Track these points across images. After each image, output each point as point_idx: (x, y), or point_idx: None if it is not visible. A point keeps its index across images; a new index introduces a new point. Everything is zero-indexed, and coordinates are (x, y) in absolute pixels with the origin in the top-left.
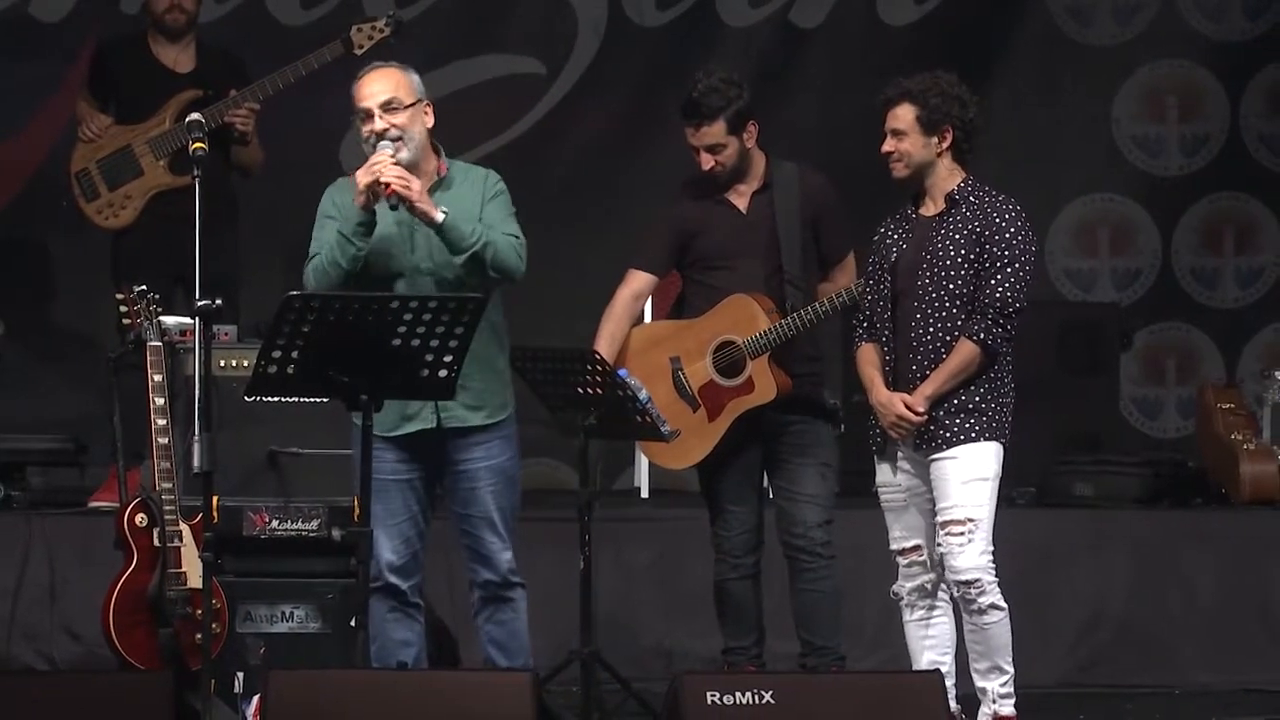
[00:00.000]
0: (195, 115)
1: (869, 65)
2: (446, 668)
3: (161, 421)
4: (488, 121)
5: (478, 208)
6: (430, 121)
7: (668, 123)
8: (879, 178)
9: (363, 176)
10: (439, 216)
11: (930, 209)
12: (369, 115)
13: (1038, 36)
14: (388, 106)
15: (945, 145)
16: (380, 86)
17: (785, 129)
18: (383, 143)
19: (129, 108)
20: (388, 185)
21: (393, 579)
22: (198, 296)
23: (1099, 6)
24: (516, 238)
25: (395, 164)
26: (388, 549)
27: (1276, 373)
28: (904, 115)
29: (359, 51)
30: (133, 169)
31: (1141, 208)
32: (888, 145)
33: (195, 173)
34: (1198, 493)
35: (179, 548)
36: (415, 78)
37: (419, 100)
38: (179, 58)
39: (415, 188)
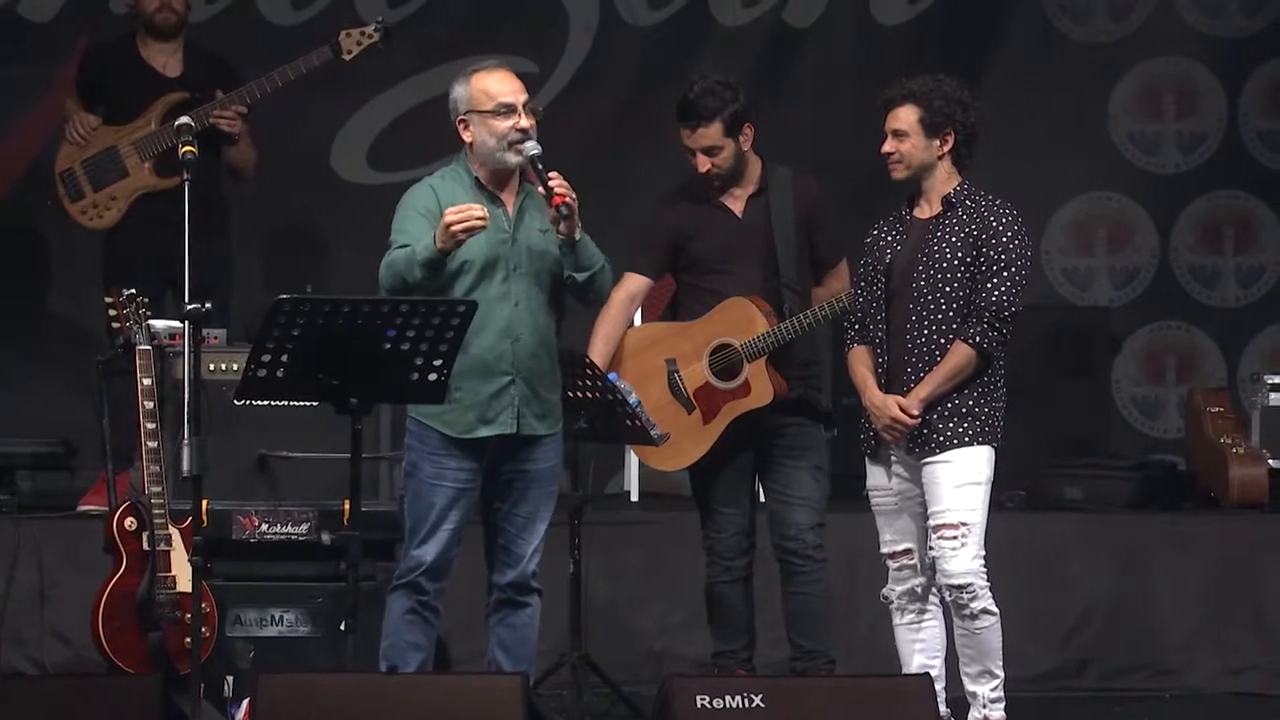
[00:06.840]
0: (184, 118)
1: (862, 65)
2: (437, 671)
3: (151, 425)
4: None
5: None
6: None
7: (661, 122)
8: (871, 178)
9: (458, 224)
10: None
11: (925, 211)
12: (511, 110)
13: (1032, 34)
14: (525, 105)
15: (946, 149)
16: (518, 84)
17: (777, 128)
18: (532, 144)
19: (117, 110)
20: (559, 195)
21: (423, 580)
22: (187, 300)
23: (1094, 3)
24: (609, 264)
25: (559, 176)
26: (432, 552)
27: (1266, 376)
28: (906, 116)
29: (347, 57)
30: (118, 170)
31: (1139, 206)
32: (888, 146)
33: (185, 176)
34: (1187, 496)
35: (168, 551)
36: None
37: None
38: (168, 60)
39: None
